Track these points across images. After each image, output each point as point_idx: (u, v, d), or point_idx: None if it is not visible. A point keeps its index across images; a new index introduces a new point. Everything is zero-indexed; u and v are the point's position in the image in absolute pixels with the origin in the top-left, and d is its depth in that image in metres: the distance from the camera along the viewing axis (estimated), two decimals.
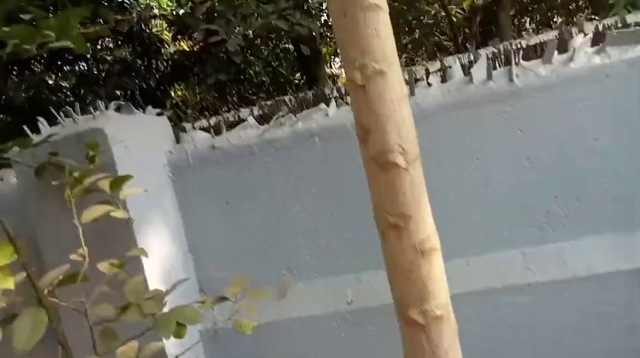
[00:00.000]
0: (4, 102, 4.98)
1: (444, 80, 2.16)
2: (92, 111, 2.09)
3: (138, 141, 2.06)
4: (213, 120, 2.89)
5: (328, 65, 9.57)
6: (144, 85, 5.35)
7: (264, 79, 7.23)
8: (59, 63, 5.44)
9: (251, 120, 2.22)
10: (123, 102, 2.24)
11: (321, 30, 6.81)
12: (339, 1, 1.12)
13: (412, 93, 2.00)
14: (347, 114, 2.08)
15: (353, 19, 1.10)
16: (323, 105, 2.13)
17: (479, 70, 2.03)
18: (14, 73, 5.21)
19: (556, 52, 1.96)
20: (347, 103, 2.18)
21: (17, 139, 1.87)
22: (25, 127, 2.10)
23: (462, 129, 2.01)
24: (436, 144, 2.02)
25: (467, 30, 8.86)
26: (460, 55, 2.90)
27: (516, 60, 1.96)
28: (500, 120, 1.99)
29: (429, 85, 2.17)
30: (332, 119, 2.10)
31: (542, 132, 1.97)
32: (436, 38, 9.54)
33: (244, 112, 3.49)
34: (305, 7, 4.69)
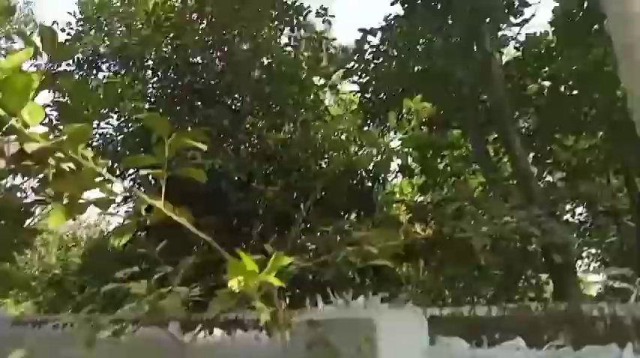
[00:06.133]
0: None
1: None
2: (364, 298, 2.24)
3: (398, 336, 2.08)
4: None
5: None
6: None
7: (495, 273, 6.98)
8: None
9: (520, 342, 2.05)
10: (387, 295, 2.36)
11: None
12: None
13: None
14: None
15: None
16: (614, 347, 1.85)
17: None
18: None
19: None
20: None
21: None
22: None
23: None
24: None
25: None
26: None
27: None
28: None
29: None
30: None
31: None
32: None
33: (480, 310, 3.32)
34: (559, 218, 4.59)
